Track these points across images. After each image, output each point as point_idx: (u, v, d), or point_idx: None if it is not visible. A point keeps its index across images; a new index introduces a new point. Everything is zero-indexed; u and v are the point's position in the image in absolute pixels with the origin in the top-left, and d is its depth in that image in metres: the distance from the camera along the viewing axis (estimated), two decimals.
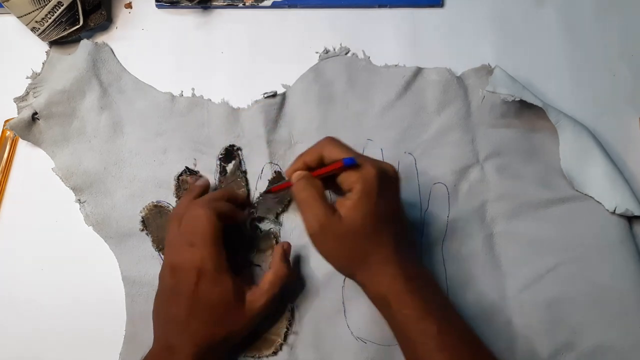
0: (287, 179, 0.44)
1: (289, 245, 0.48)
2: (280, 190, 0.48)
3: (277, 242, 0.50)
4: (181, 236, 0.44)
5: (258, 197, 0.51)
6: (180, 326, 0.43)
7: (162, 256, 0.50)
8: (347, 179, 0.40)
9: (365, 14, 0.58)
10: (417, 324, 0.39)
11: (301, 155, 0.43)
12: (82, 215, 0.52)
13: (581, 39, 0.57)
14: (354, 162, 0.39)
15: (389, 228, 0.41)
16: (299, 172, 0.42)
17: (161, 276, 0.46)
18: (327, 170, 0.41)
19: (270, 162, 0.52)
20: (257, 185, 0.52)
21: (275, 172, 0.52)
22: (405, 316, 0.39)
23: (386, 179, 0.41)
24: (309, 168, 0.43)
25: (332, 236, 0.40)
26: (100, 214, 0.51)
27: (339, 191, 0.42)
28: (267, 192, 0.50)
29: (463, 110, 0.53)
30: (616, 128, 0.54)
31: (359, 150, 0.52)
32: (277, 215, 0.51)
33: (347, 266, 0.42)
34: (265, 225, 0.51)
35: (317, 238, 0.41)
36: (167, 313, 0.44)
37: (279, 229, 0.51)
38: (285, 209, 0.51)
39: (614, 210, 0.49)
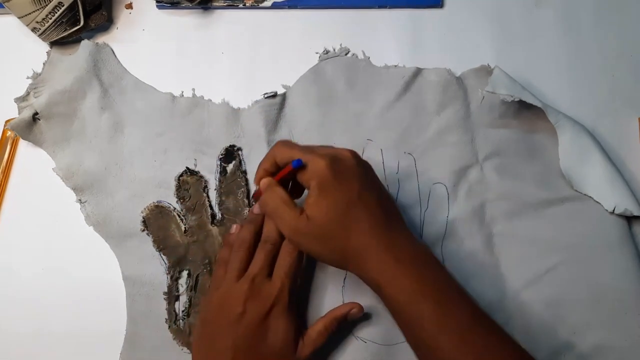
0: (257, 186, 0.45)
1: (359, 310, 0.45)
2: (257, 197, 0.48)
3: None
4: (258, 269, 0.43)
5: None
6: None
7: (163, 256, 0.50)
8: (303, 178, 0.41)
9: (365, 15, 0.58)
10: (412, 308, 0.38)
11: (260, 164, 0.44)
12: (82, 215, 0.52)
13: (581, 39, 0.57)
14: (300, 163, 0.40)
15: (359, 211, 0.40)
16: (263, 181, 0.43)
17: (223, 300, 0.43)
18: (282, 174, 0.42)
19: None
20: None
21: None
22: (399, 302, 0.39)
23: (339, 165, 0.40)
24: (270, 173, 0.44)
25: (307, 237, 0.41)
26: (100, 214, 0.52)
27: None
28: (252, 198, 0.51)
29: (462, 111, 0.53)
30: (616, 128, 0.54)
31: (359, 151, 0.52)
32: None
33: (333, 261, 0.42)
34: None
35: (296, 241, 0.42)
36: (225, 336, 0.41)
37: None
38: None
39: (613, 210, 0.49)
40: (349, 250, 0.40)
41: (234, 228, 0.48)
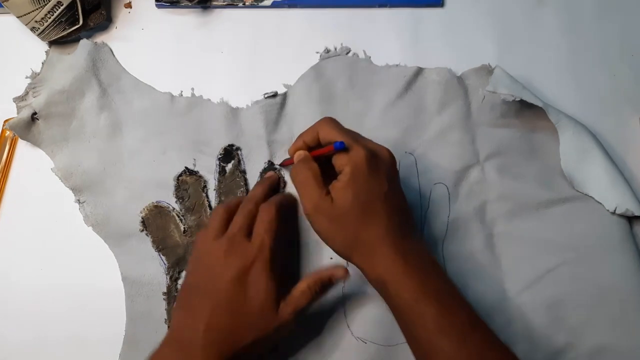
0: (290, 156, 0.46)
1: (344, 273, 0.44)
2: (286, 166, 0.51)
3: None
4: (237, 227, 0.44)
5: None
6: (206, 315, 0.40)
7: (162, 256, 0.50)
8: (338, 161, 0.42)
9: (365, 14, 0.58)
10: (416, 307, 0.39)
11: (301, 135, 0.45)
12: (81, 215, 0.52)
13: (581, 39, 0.57)
14: (343, 146, 0.41)
15: (381, 208, 0.41)
16: (298, 153, 0.44)
17: (195, 268, 0.44)
18: (321, 152, 0.43)
19: (270, 161, 0.52)
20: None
21: (267, 161, 0.52)
22: (403, 299, 0.39)
23: (376, 160, 0.41)
24: (308, 147, 0.44)
25: (325, 217, 0.41)
26: (99, 214, 0.51)
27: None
28: (280, 164, 0.52)
29: (463, 110, 0.53)
30: (616, 128, 0.53)
31: None
32: None
33: (342, 247, 0.42)
34: None
35: (312, 218, 0.42)
36: (198, 301, 0.42)
37: None
38: (282, 192, 0.52)
39: (614, 211, 0.49)
40: (360, 241, 0.41)
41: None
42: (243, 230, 0.44)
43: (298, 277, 0.49)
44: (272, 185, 0.50)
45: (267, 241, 0.43)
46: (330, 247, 0.43)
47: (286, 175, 0.52)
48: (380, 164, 0.42)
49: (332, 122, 0.44)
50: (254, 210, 0.45)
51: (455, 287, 0.41)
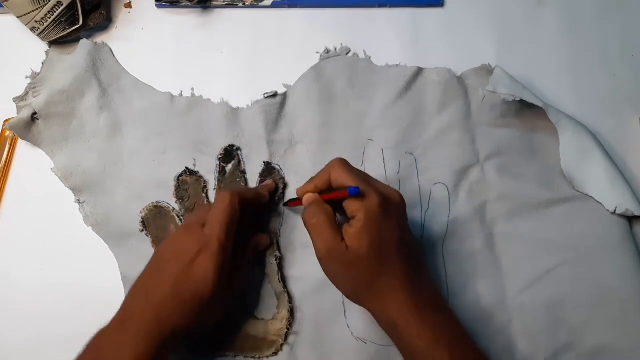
0: (297, 196, 0.46)
1: (266, 239, 0.49)
2: (292, 206, 0.50)
3: (279, 240, 0.50)
4: (196, 216, 0.45)
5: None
6: (152, 296, 0.42)
7: None
8: (351, 206, 0.41)
9: (365, 14, 0.58)
10: (429, 354, 0.39)
11: (313, 178, 0.44)
12: (81, 215, 0.52)
13: (581, 39, 0.57)
14: (357, 192, 0.40)
15: (394, 255, 0.41)
16: (309, 195, 0.44)
17: (157, 251, 0.45)
18: (334, 196, 0.42)
19: (267, 162, 0.52)
20: (258, 185, 0.52)
21: (264, 162, 0.52)
22: (416, 346, 0.39)
23: (390, 206, 0.41)
24: (319, 190, 0.44)
25: (338, 263, 0.41)
26: (99, 214, 0.51)
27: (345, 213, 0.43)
28: (285, 204, 0.50)
29: (463, 110, 0.53)
30: (616, 128, 0.53)
31: (360, 151, 0.52)
32: (276, 206, 0.51)
33: (354, 293, 0.42)
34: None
35: (325, 263, 0.42)
36: (149, 282, 0.43)
37: (281, 221, 0.51)
38: (281, 197, 0.51)
39: (614, 211, 0.49)
40: (374, 288, 0.41)
41: None
42: (201, 219, 0.44)
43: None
44: (253, 198, 0.49)
45: (215, 230, 0.43)
46: (341, 291, 0.43)
47: (287, 175, 0.52)
48: (393, 210, 0.41)
49: (344, 165, 0.43)
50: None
51: (465, 331, 0.42)
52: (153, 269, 0.44)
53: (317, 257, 0.42)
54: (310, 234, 0.42)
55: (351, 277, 0.41)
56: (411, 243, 0.43)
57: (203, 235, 0.43)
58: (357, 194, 0.40)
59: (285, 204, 0.50)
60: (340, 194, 0.41)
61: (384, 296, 0.40)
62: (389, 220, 0.41)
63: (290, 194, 0.52)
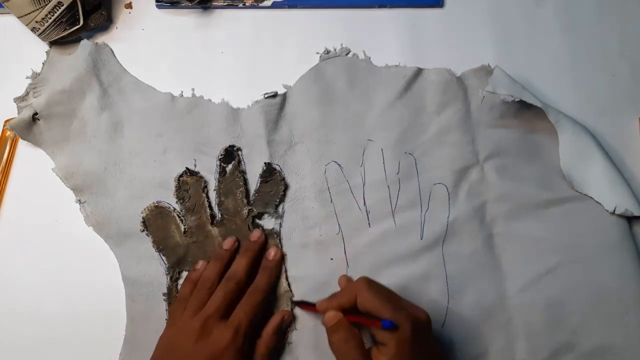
0: (319, 311, 0.44)
1: (289, 315, 0.48)
2: (304, 309, 0.48)
3: (280, 241, 0.50)
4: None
5: (254, 195, 0.51)
6: None
7: (163, 257, 0.50)
8: (382, 333, 0.40)
9: (365, 14, 0.58)
10: None
11: (336, 296, 0.43)
12: (82, 215, 0.52)
13: (581, 39, 0.57)
14: (392, 326, 0.39)
15: None
16: (334, 314, 0.42)
17: (173, 339, 0.43)
18: (364, 322, 0.41)
19: (268, 163, 0.52)
20: (258, 185, 0.52)
21: (265, 163, 0.52)
22: None
23: (420, 331, 0.40)
24: (343, 308, 0.42)
25: None
26: (100, 215, 0.51)
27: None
28: (297, 304, 0.48)
29: (463, 111, 0.53)
30: (616, 128, 0.54)
31: (359, 151, 0.52)
32: (276, 207, 0.51)
33: None
34: (267, 223, 0.51)
35: None
36: None
37: (281, 222, 0.51)
38: (282, 199, 0.51)
39: (614, 211, 0.49)
40: None
41: (200, 264, 0.49)
42: (220, 311, 0.43)
43: None
44: (256, 257, 0.49)
45: (244, 327, 0.42)
46: None
47: (287, 176, 0.52)
48: (423, 335, 0.40)
49: (370, 287, 0.41)
50: (236, 290, 0.45)
51: None
52: None
53: None
54: (336, 357, 0.41)
55: None
56: (439, 357, 0.42)
57: (226, 330, 0.42)
58: (391, 327, 0.39)
59: (297, 304, 0.48)
60: (372, 323, 0.40)
61: None
62: (419, 345, 0.40)
63: (291, 194, 0.52)
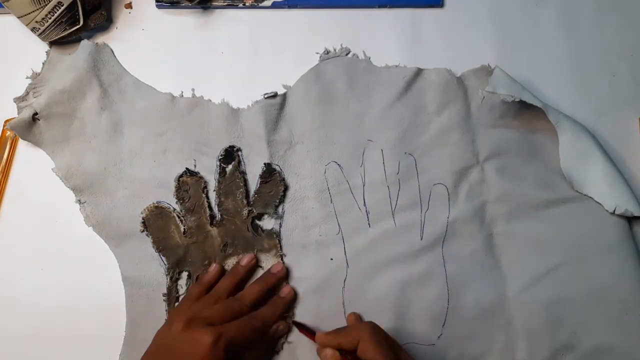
0: (317, 342, 0.44)
1: (285, 326, 0.48)
2: (303, 333, 0.47)
3: (280, 241, 0.50)
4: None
5: (254, 195, 0.51)
6: None
7: (162, 257, 0.50)
8: None
9: (365, 14, 0.58)
10: None
11: (338, 335, 0.42)
12: (82, 215, 0.52)
13: (581, 39, 0.57)
14: None
15: None
16: (330, 352, 0.42)
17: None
18: None
19: (268, 163, 0.52)
20: (258, 185, 0.52)
21: (264, 164, 0.52)
22: None
23: None
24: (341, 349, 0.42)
25: None
26: (100, 215, 0.51)
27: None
28: (297, 325, 0.48)
29: (463, 111, 0.53)
30: (616, 128, 0.54)
31: (359, 151, 0.52)
32: (276, 208, 0.51)
33: None
34: (267, 223, 0.51)
35: None
36: None
37: (281, 222, 0.51)
38: (282, 199, 0.51)
39: (614, 211, 0.49)
40: None
41: (213, 267, 0.49)
42: (212, 319, 0.43)
43: None
44: (270, 288, 0.48)
45: (225, 338, 0.42)
46: None
47: (287, 176, 0.52)
48: None
49: (374, 336, 0.40)
50: (236, 311, 0.45)
51: None
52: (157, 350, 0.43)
53: None
54: None
55: None
56: None
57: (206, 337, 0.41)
58: None
59: (297, 325, 0.48)
60: None
61: None
62: None
63: (290, 194, 0.52)
